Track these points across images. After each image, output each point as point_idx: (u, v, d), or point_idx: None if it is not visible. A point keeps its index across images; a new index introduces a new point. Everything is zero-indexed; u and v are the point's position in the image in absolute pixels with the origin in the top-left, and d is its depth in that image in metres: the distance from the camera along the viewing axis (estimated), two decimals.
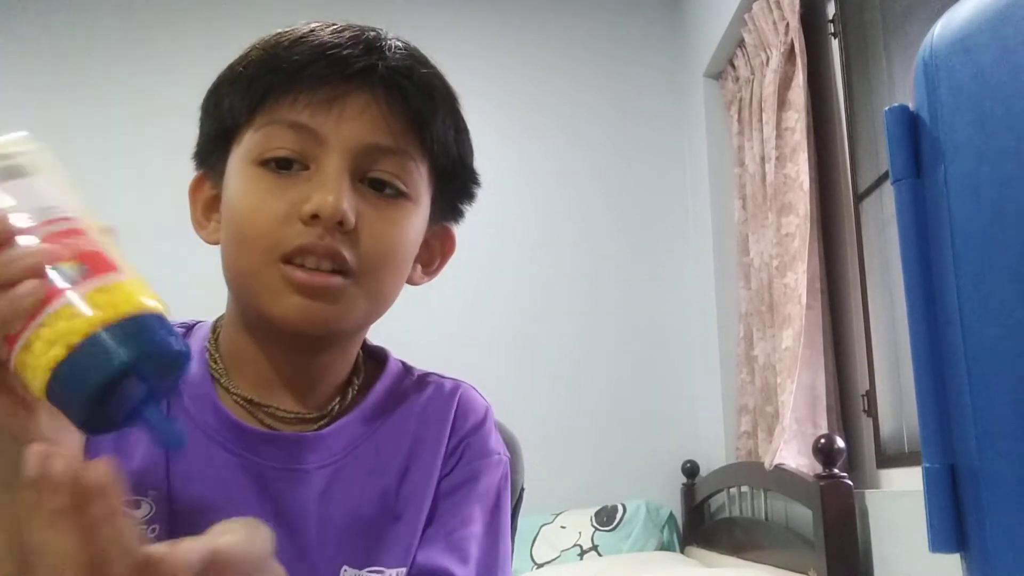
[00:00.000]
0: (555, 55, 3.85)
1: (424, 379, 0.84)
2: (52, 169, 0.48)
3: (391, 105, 0.71)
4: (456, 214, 0.83)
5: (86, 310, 0.42)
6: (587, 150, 3.78)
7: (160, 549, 0.44)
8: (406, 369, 0.84)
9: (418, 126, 0.72)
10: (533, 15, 3.87)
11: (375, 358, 0.84)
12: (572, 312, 3.64)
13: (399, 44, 0.74)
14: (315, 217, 0.66)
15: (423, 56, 0.76)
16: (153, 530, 0.68)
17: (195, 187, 0.78)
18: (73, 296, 0.43)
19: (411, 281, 0.80)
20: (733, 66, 3.31)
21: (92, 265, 0.44)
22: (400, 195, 0.72)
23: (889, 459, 2.36)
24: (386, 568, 0.73)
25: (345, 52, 0.70)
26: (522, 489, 1.06)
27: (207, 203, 0.76)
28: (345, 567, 0.71)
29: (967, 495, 0.69)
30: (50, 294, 0.42)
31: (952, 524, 0.70)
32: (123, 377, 0.43)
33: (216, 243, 0.74)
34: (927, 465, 0.72)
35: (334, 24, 0.73)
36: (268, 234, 0.68)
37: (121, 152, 3.45)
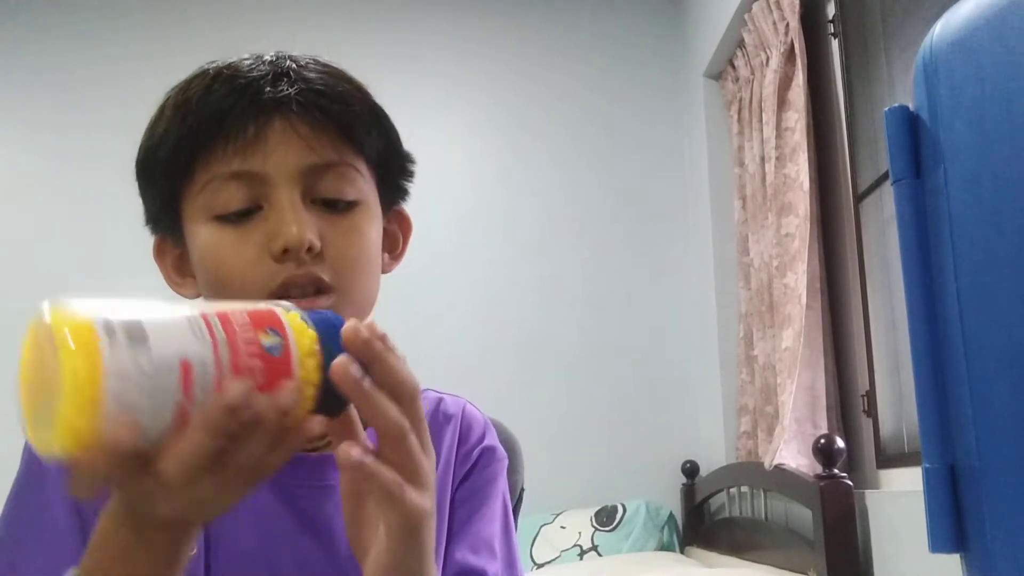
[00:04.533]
0: (555, 55, 3.85)
1: (425, 393, 0.88)
2: (143, 312, 0.49)
3: (313, 124, 0.72)
4: (401, 194, 0.85)
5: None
6: (587, 150, 3.78)
7: None
8: None
9: (344, 134, 0.74)
10: (533, 15, 3.87)
11: None
12: (572, 312, 3.64)
13: (304, 61, 0.75)
14: (286, 251, 0.69)
15: (330, 64, 0.77)
16: None
17: (158, 251, 0.80)
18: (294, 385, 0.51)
19: (383, 271, 0.82)
20: (733, 66, 3.31)
21: (268, 373, 0.50)
22: (351, 205, 0.75)
23: (889, 459, 2.36)
24: None
25: (256, 88, 0.71)
26: (522, 489, 1.06)
27: (175, 263, 0.79)
28: None
29: (967, 495, 0.69)
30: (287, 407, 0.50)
31: (952, 524, 0.70)
32: None
33: (197, 296, 0.77)
34: (927, 465, 0.72)
35: (236, 60, 0.74)
36: (248, 281, 0.70)
37: (119, 154, 3.45)
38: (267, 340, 0.50)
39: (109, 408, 0.44)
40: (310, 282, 0.71)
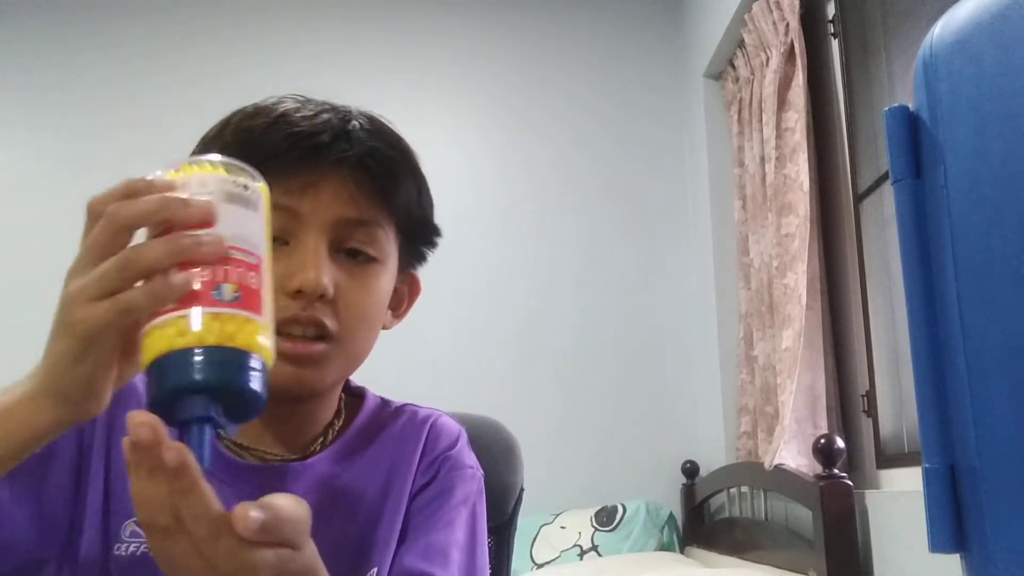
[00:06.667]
0: (556, 55, 3.85)
1: (400, 409, 0.91)
2: (265, 215, 0.58)
3: (360, 183, 0.78)
4: (420, 260, 0.91)
5: (216, 325, 0.52)
6: (588, 150, 3.78)
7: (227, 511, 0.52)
8: (384, 403, 0.92)
9: (384, 198, 0.80)
10: (534, 15, 3.87)
11: (355, 396, 0.91)
12: (573, 312, 3.64)
13: (364, 123, 0.80)
14: (299, 292, 0.73)
15: (386, 129, 0.82)
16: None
17: None
18: (218, 311, 0.52)
19: (383, 327, 0.86)
20: (733, 66, 3.31)
21: (246, 297, 0.53)
22: (371, 260, 0.80)
23: (889, 459, 2.36)
24: None
25: (317, 140, 0.76)
26: (522, 489, 1.06)
27: None
28: None
29: (967, 495, 0.69)
30: (203, 298, 0.52)
31: (952, 524, 0.70)
32: (195, 391, 0.52)
33: None
34: (927, 465, 0.72)
35: (303, 103, 0.79)
36: None
37: (121, 156, 3.45)
38: (228, 288, 0.54)
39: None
40: (312, 323, 0.75)
